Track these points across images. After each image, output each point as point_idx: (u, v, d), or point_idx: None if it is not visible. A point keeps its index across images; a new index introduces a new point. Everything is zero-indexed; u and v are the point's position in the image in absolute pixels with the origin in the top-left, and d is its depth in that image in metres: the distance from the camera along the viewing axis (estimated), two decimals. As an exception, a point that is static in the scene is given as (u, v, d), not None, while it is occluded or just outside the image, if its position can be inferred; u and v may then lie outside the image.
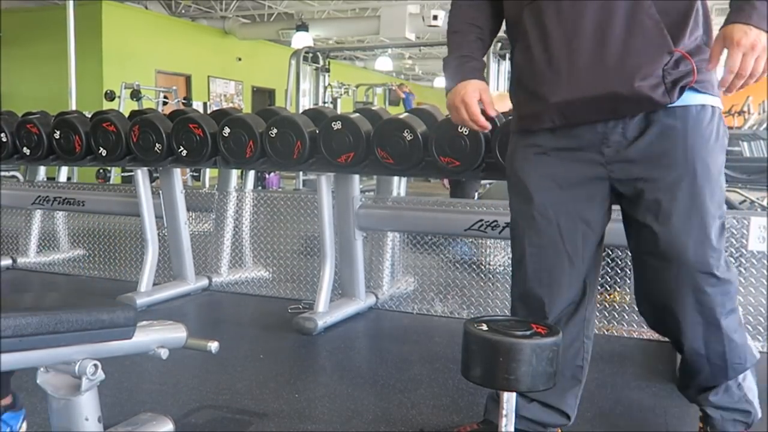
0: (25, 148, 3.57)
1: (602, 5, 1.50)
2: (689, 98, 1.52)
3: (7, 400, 1.70)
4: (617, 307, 2.96)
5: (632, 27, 1.48)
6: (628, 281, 2.95)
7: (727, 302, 1.60)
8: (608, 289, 2.99)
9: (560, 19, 1.54)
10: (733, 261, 2.75)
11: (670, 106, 1.51)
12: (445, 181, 5.63)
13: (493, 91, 7.38)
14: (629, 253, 1.72)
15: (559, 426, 1.82)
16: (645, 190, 1.55)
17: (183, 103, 9.31)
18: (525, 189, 1.68)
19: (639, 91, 1.48)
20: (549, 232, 1.65)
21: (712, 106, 1.56)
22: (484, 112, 1.70)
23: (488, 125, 1.73)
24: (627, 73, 1.48)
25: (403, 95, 11.99)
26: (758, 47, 1.35)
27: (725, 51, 1.41)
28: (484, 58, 1.78)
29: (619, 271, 2.96)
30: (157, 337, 1.51)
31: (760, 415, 1.76)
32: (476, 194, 5.13)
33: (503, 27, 1.80)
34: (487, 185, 5.88)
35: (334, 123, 2.84)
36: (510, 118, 2.56)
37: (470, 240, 3.31)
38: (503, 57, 8.31)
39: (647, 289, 1.66)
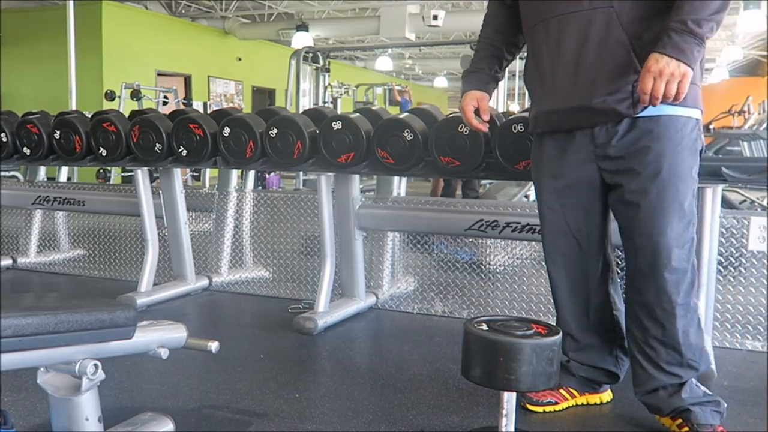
0: (25, 148, 3.57)
1: (579, 32, 1.81)
2: (662, 109, 1.79)
3: None
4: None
5: (603, 51, 1.79)
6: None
7: (681, 293, 1.82)
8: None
9: (548, 42, 1.88)
10: (733, 261, 2.76)
11: (643, 115, 1.79)
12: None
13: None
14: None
15: (607, 383, 2.13)
16: (622, 182, 1.85)
17: (183, 103, 9.31)
18: (538, 186, 2.08)
19: (604, 104, 1.80)
20: (558, 222, 2.00)
21: (685, 116, 1.82)
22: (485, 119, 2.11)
23: (481, 127, 2.10)
24: (595, 89, 1.80)
25: (399, 99, 11.98)
26: (665, 73, 1.65)
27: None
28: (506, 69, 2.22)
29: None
30: (157, 337, 1.51)
31: (725, 405, 1.92)
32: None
33: None
34: (487, 185, 5.88)
35: (334, 123, 2.84)
36: (511, 118, 2.59)
37: (470, 240, 3.31)
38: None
39: (626, 276, 1.94)
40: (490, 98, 2.15)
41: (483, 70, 2.13)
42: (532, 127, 2.05)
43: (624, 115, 1.80)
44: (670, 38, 1.66)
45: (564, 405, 2.10)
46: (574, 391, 2.11)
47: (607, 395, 2.16)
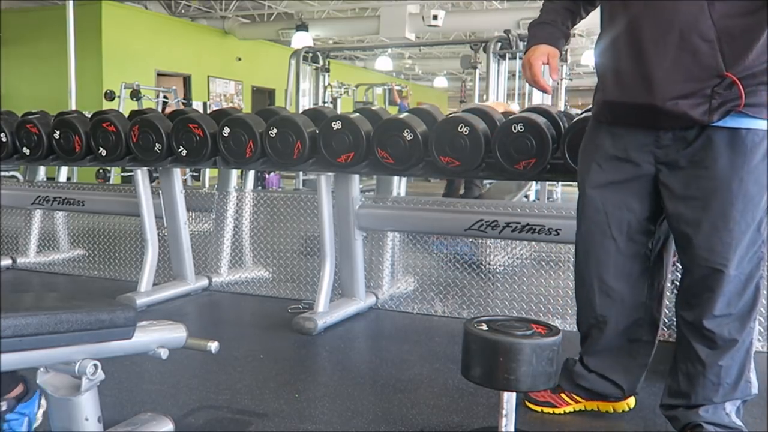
0: (25, 148, 3.57)
1: (662, 20, 1.60)
2: (740, 122, 1.60)
3: (18, 389, 1.70)
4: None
5: (685, 46, 1.57)
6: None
7: (737, 325, 1.69)
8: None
9: (629, 25, 1.66)
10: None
11: (718, 125, 1.60)
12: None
13: (492, 101, 7.47)
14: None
15: (614, 397, 1.99)
16: (683, 194, 1.68)
17: (183, 103, 9.31)
18: (581, 178, 1.90)
19: (676, 108, 1.60)
20: (598, 220, 1.84)
21: (762, 130, 1.62)
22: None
23: (548, 87, 1.89)
24: (668, 90, 1.60)
25: (399, 101, 11.98)
26: None
27: None
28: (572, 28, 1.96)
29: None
30: (157, 337, 1.51)
31: None
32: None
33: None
34: (488, 185, 5.88)
35: (334, 123, 2.84)
36: (511, 118, 2.58)
37: (470, 240, 3.31)
38: (503, 57, 8.30)
39: (679, 293, 1.79)
40: (561, 56, 1.96)
41: (555, 23, 1.90)
42: (596, 113, 1.86)
43: (697, 122, 1.61)
44: None
45: (566, 409, 2.03)
46: (578, 397, 2.03)
47: (621, 404, 2.03)
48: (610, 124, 1.79)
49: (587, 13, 1.94)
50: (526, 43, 1.94)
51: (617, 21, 1.70)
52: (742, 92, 1.55)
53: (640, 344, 1.94)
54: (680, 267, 1.82)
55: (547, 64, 1.86)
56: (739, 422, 1.79)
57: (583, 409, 2.05)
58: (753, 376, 1.79)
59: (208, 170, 6.50)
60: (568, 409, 2.03)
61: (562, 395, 2.03)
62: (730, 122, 1.60)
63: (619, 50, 1.69)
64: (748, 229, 1.64)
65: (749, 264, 1.67)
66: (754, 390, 1.81)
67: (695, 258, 1.69)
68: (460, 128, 2.59)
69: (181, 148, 3.14)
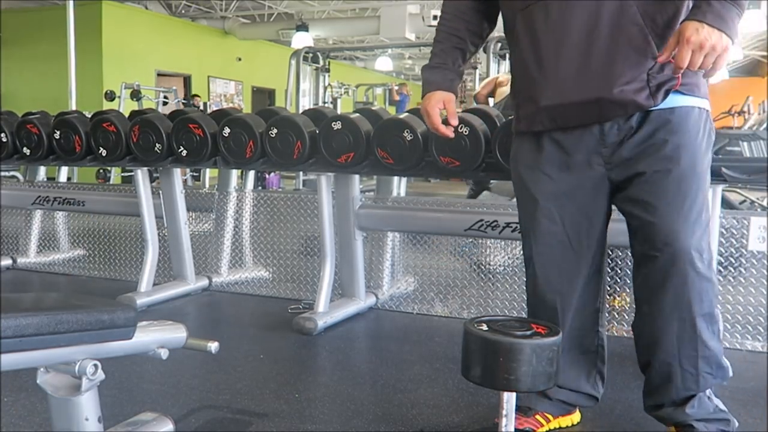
0: (25, 148, 3.57)
1: (589, 13, 1.58)
2: (676, 100, 1.62)
3: None
4: (617, 308, 2.96)
5: (617, 34, 1.56)
6: (627, 288, 2.94)
7: (704, 301, 1.65)
8: (610, 294, 2.98)
9: (549, 25, 1.63)
10: (733, 261, 2.76)
11: (658, 108, 1.61)
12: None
13: (494, 74, 7.43)
14: (629, 259, 1.84)
15: (585, 406, 1.96)
16: (636, 183, 1.65)
17: (183, 103, 9.31)
18: (529, 193, 1.81)
19: (623, 95, 1.58)
20: (555, 231, 1.77)
21: (699, 108, 1.66)
22: (447, 121, 1.87)
23: (448, 133, 1.86)
24: (611, 79, 1.58)
25: (398, 97, 11.97)
26: (707, 45, 1.42)
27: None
28: (478, 59, 1.97)
29: (618, 280, 2.95)
30: (157, 337, 1.51)
31: (737, 424, 1.77)
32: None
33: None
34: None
35: (334, 123, 2.84)
36: (510, 118, 2.58)
37: (470, 240, 3.31)
38: (503, 57, 8.30)
39: (637, 285, 1.75)
40: (457, 98, 1.91)
41: (446, 66, 1.85)
42: (526, 124, 1.77)
43: (643, 107, 1.60)
44: (710, 5, 1.45)
45: (542, 430, 1.91)
46: (549, 416, 1.93)
47: (577, 416, 1.98)
48: (550, 131, 1.72)
49: (476, 48, 1.91)
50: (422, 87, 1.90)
51: (536, 25, 1.66)
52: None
53: (597, 350, 1.90)
54: (631, 259, 1.77)
55: (444, 109, 1.84)
56: (721, 405, 1.77)
57: (550, 429, 1.94)
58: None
59: (208, 170, 6.50)
60: (544, 429, 1.92)
61: (537, 417, 1.92)
62: (670, 102, 1.61)
63: (542, 56, 1.65)
64: (702, 205, 1.64)
65: (705, 240, 1.65)
66: (729, 372, 1.80)
67: (656, 243, 1.63)
68: (460, 128, 2.59)
69: (181, 148, 3.14)
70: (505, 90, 5.22)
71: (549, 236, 1.79)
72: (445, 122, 1.87)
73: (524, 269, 1.90)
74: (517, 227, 2.84)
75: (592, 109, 1.63)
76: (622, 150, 1.65)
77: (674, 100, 1.62)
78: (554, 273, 1.81)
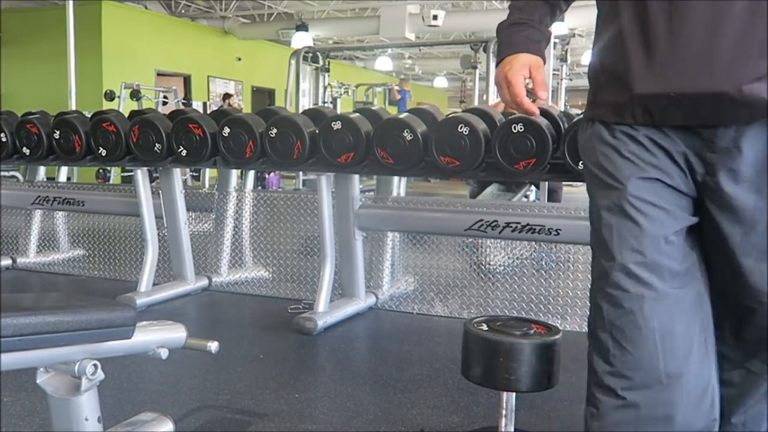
0: (25, 148, 3.57)
1: None
2: None
3: None
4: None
5: (756, 8, 1.11)
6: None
7: None
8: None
9: None
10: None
11: None
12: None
13: (492, 101, 7.22)
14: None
15: None
16: (743, 216, 1.16)
17: (183, 103, 9.32)
18: (598, 199, 1.29)
19: (754, 92, 1.11)
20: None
21: None
22: (533, 94, 1.39)
23: (535, 109, 1.38)
24: (741, 69, 1.11)
25: (398, 95, 11.96)
26: None
27: None
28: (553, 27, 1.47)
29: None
30: (157, 337, 1.50)
31: None
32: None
33: None
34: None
35: (334, 123, 2.84)
36: (510, 118, 2.58)
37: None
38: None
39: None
40: (545, 64, 1.41)
41: (532, 23, 1.40)
42: (610, 113, 1.25)
43: None
44: None
45: None
46: None
47: None
48: (645, 125, 1.22)
49: (568, 6, 1.49)
50: (496, 51, 1.45)
51: None
52: None
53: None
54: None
55: (530, 78, 1.37)
56: None
57: None
58: None
59: (208, 170, 6.50)
60: None
61: None
62: None
63: (650, 26, 1.17)
64: None
65: None
66: None
67: (750, 298, 1.19)
68: (460, 128, 2.59)
69: (181, 148, 3.14)
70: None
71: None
72: (530, 95, 1.40)
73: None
74: (517, 227, 2.85)
75: (708, 107, 1.15)
76: (738, 163, 1.16)
77: None
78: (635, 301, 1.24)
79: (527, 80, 1.38)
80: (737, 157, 1.15)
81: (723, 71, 1.11)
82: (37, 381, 1.34)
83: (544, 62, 1.40)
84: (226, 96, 11.33)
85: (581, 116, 1.79)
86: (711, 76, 1.12)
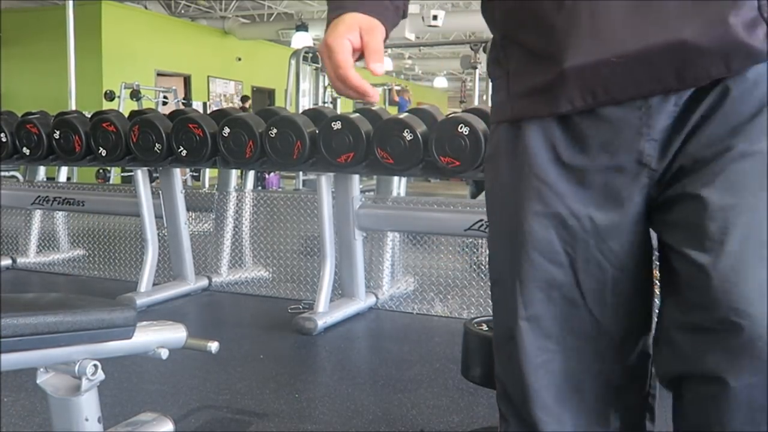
0: (24, 148, 3.57)
1: None
2: None
3: None
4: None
5: None
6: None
7: None
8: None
9: None
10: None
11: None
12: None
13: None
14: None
15: None
16: (701, 195, 0.84)
17: (183, 104, 9.32)
18: (515, 211, 0.96)
19: (729, 34, 0.80)
20: (558, 282, 0.95)
21: None
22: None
23: (370, 88, 0.95)
24: (707, 8, 0.80)
25: (397, 99, 11.95)
26: None
27: None
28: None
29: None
30: (157, 337, 1.50)
31: None
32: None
33: None
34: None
35: (334, 123, 2.84)
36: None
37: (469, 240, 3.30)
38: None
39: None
40: (387, 36, 0.99)
41: None
42: (535, 104, 0.92)
43: (757, 56, 0.81)
44: None
45: None
46: None
47: None
48: (569, 115, 0.90)
49: None
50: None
51: None
52: None
53: None
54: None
55: (360, 50, 0.95)
56: None
57: None
58: None
59: (208, 170, 6.51)
60: None
61: None
62: None
63: None
64: None
65: None
66: None
67: (708, 304, 0.81)
68: (460, 128, 2.59)
69: (181, 148, 3.14)
70: None
71: (548, 287, 0.98)
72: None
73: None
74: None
75: (665, 64, 0.83)
76: (686, 144, 0.87)
77: None
78: (554, 345, 0.99)
79: (357, 52, 0.96)
80: (678, 133, 0.87)
81: (678, 15, 0.81)
82: (37, 381, 1.34)
83: (389, 29, 0.99)
84: (245, 98, 11.35)
85: None
86: (654, 27, 0.82)
